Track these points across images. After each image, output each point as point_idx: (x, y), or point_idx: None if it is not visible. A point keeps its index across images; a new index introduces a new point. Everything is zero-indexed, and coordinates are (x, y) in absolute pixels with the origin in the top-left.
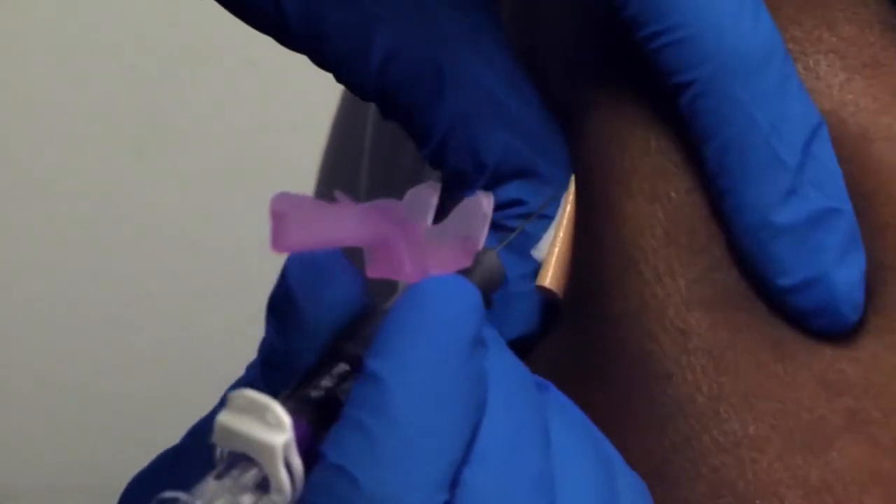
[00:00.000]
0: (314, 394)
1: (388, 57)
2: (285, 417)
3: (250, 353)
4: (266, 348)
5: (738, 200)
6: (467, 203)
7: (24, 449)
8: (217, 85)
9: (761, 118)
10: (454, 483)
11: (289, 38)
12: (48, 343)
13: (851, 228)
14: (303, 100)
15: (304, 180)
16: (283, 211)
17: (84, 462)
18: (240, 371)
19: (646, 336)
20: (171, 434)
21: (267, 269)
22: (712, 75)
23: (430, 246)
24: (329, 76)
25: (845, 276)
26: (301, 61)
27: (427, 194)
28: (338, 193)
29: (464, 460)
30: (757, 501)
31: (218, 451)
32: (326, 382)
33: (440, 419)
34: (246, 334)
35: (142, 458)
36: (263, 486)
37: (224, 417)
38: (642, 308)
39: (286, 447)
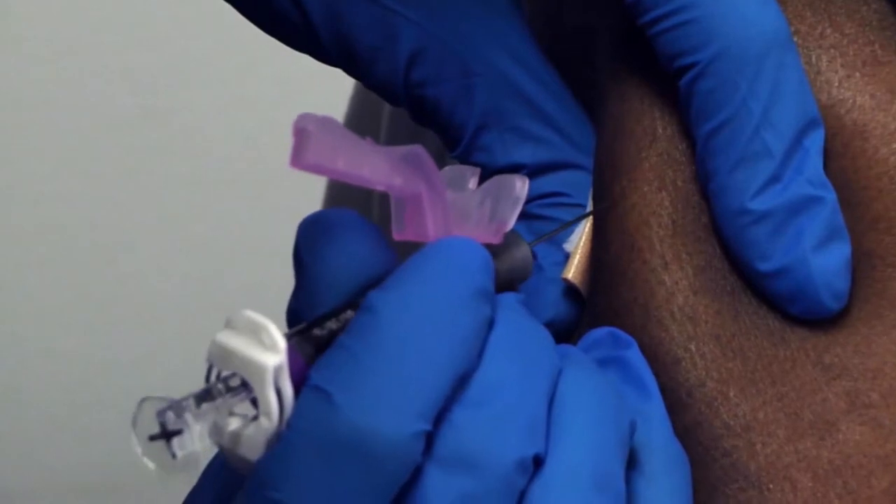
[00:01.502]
0: (317, 332)
1: (413, 56)
2: (280, 341)
3: None
4: (287, 308)
5: (721, 184)
6: (500, 181)
7: (24, 449)
8: (219, 86)
9: (754, 105)
10: (439, 420)
11: (320, 49)
12: (48, 343)
13: (833, 217)
14: (308, 102)
15: (312, 185)
16: (306, 128)
17: (84, 462)
18: None
19: (654, 323)
20: None
21: (268, 269)
22: (714, 58)
23: (456, 215)
24: (333, 81)
25: (824, 263)
26: (304, 65)
27: (466, 173)
28: (368, 138)
29: (454, 398)
30: (770, 485)
31: (214, 371)
32: (331, 325)
33: (429, 353)
34: None
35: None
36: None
37: (221, 336)
38: (650, 296)
39: (278, 370)
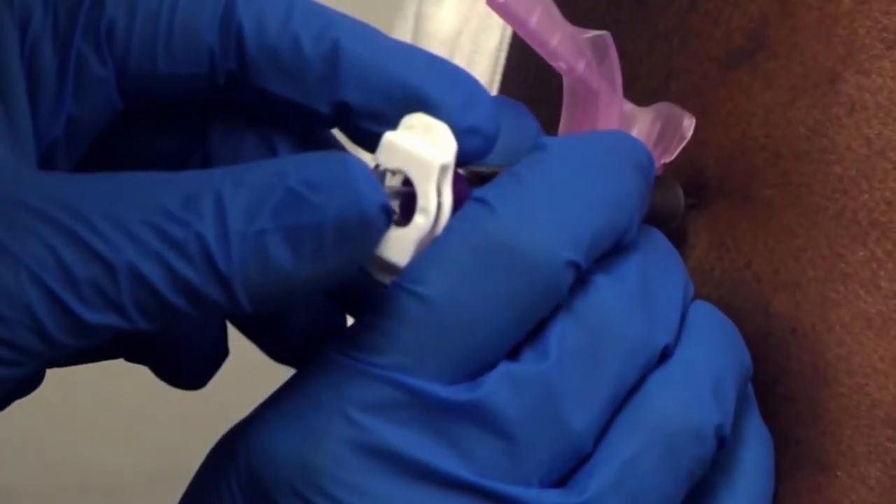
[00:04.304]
0: (482, 170)
1: None
2: (452, 142)
3: (249, 353)
4: None
5: None
6: (671, 109)
7: (24, 449)
8: None
9: None
10: (585, 276)
11: None
12: None
13: None
14: None
15: None
16: None
17: (84, 462)
18: (238, 371)
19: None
20: (171, 434)
21: None
22: None
23: (627, 124)
24: None
25: None
26: None
27: (676, 115)
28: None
29: (601, 265)
30: (838, 472)
31: (380, 169)
32: (495, 168)
33: (591, 195)
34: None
35: (141, 459)
36: (408, 215)
37: (391, 134)
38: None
39: (444, 169)
